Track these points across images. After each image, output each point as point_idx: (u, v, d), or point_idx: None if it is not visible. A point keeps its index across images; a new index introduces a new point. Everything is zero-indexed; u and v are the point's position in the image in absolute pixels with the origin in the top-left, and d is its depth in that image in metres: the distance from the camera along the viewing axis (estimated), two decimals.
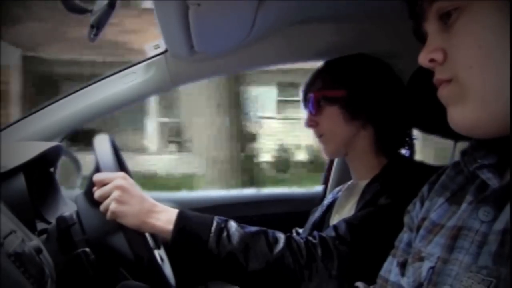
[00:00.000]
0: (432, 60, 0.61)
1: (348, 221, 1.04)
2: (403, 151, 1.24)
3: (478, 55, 0.56)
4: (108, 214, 0.98)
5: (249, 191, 2.06)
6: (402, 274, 0.70)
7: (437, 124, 0.62)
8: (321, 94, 1.20)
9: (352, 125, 1.18)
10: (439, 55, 0.59)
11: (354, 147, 1.20)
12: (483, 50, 0.55)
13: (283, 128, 9.63)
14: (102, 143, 1.05)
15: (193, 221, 0.99)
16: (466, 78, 0.57)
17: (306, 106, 1.24)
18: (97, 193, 1.00)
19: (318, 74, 1.25)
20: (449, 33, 0.59)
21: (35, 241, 0.85)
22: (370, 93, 1.17)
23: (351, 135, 1.19)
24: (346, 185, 1.30)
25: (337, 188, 1.37)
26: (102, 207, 0.99)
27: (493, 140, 0.60)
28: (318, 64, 1.30)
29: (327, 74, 1.23)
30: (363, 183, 1.16)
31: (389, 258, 0.76)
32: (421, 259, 0.64)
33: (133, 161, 6.24)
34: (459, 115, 0.59)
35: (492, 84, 0.55)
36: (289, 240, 1.00)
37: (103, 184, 1.00)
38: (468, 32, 0.56)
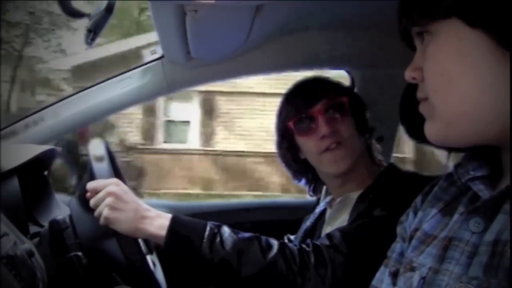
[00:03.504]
0: (413, 78, 0.63)
1: (342, 230, 1.04)
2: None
3: (441, 82, 0.59)
4: (102, 220, 0.97)
5: (242, 199, 2.08)
6: (394, 284, 0.70)
7: None
8: (348, 101, 1.15)
9: (362, 137, 1.19)
10: (419, 74, 0.62)
11: (357, 160, 1.18)
12: (445, 78, 0.58)
13: None
14: (96, 148, 1.04)
15: (186, 227, 0.99)
16: (433, 100, 0.60)
17: (325, 110, 1.14)
18: (92, 201, 1.00)
19: (329, 83, 1.20)
20: (425, 55, 0.61)
21: (28, 244, 0.85)
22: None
23: (362, 148, 1.19)
24: (337, 198, 1.27)
25: (330, 196, 1.37)
26: (96, 213, 0.99)
27: (486, 151, 0.61)
28: None
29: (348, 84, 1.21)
30: (355, 194, 1.15)
31: (381, 268, 0.77)
32: (413, 269, 0.64)
33: None
34: (430, 130, 0.62)
35: (454, 108, 0.58)
36: (282, 246, 1.00)
37: (97, 191, 1.00)
38: (433, 59, 0.60)
